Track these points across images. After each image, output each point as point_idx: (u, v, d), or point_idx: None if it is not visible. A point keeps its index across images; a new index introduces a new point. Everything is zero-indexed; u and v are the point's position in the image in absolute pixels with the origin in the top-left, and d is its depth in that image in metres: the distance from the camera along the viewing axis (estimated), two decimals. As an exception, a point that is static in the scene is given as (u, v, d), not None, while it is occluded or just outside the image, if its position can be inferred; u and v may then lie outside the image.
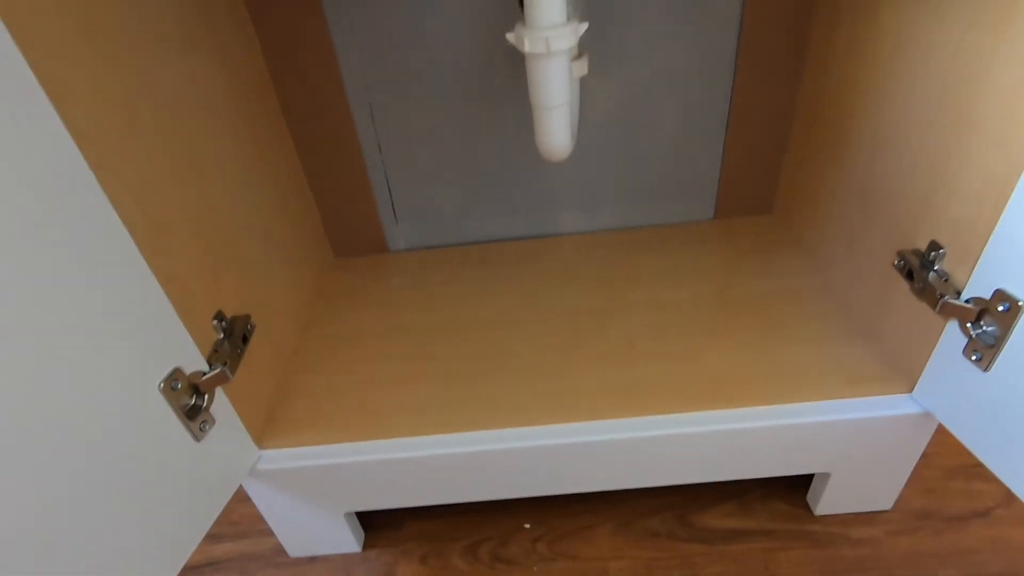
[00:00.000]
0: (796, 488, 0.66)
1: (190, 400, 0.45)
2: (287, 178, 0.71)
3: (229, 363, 0.49)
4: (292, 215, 0.71)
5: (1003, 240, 0.42)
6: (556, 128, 0.51)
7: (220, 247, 0.53)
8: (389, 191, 0.77)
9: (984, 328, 0.44)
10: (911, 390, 0.53)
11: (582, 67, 0.57)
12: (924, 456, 0.68)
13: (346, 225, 0.80)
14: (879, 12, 0.54)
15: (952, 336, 0.47)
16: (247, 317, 0.54)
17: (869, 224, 0.58)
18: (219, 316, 0.51)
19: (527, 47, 0.46)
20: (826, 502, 0.62)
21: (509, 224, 0.81)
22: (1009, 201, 0.40)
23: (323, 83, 0.68)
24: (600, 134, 0.73)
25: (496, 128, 0.72)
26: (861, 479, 0.59)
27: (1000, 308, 0.42)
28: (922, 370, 0.52)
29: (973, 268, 0.44)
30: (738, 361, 0.59)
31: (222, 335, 0.50)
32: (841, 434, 0.54)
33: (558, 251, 0.79)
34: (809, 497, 0.65)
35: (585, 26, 0.48)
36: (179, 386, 0.44)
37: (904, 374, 0.54)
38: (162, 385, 0.42)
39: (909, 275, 0.51)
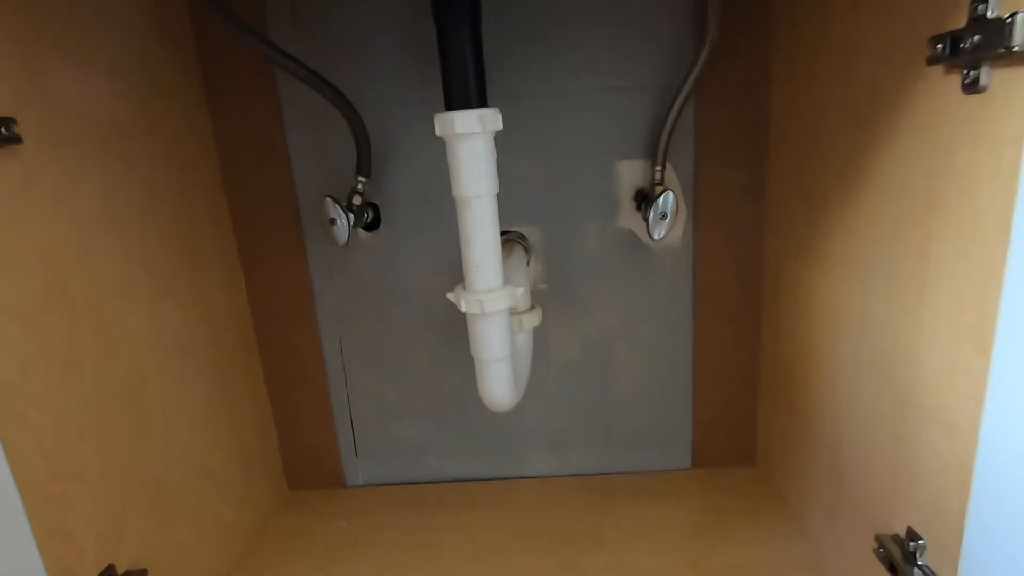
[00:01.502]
0: None
1: None
2: (248, 409, 0.70)
3: (98, 637, 0.42)
4: (246, 448, 0.69)
5: (978, 541, 0.36)
6: (495, 380, 0.50)
7: (138, 494, 0.50)
8: (351, 424, 0.76)
9: (986, 652, 0.36)
10: None
11: (533, 319, 0.59)
12: None
13: (304, 458, 0.77)
14: (815, 283, 0.56)
15: (954, 657, 0.39)
16: (142, 573, 0.48)
17: (845, 495, 0.53)
18: (108, 572, 0.46)
19: (463, 307, 0.48)
20: None
21: (472, 464, 0.76)
22: (971, 495, 0.36)
23: (298, 320, 0.72)
24: (566, 377, 0.73)
25: (462, 368, 0.73)
26: None
27: (994, 630, 0.35)
28: None
29: (958, 572, 0.38)
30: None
31: (104, 598, 0.45)
32: None
33: (521, 497, 0.73)
34: None
35: (521, 291, 0.50)
36: (20, 672, 0.37)
37: None
38: (-5, 672, 0.36)
39: (892, 568, 0.44)
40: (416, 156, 0.66)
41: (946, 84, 0.36)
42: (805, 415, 0.60)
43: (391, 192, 0.68)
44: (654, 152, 0.62)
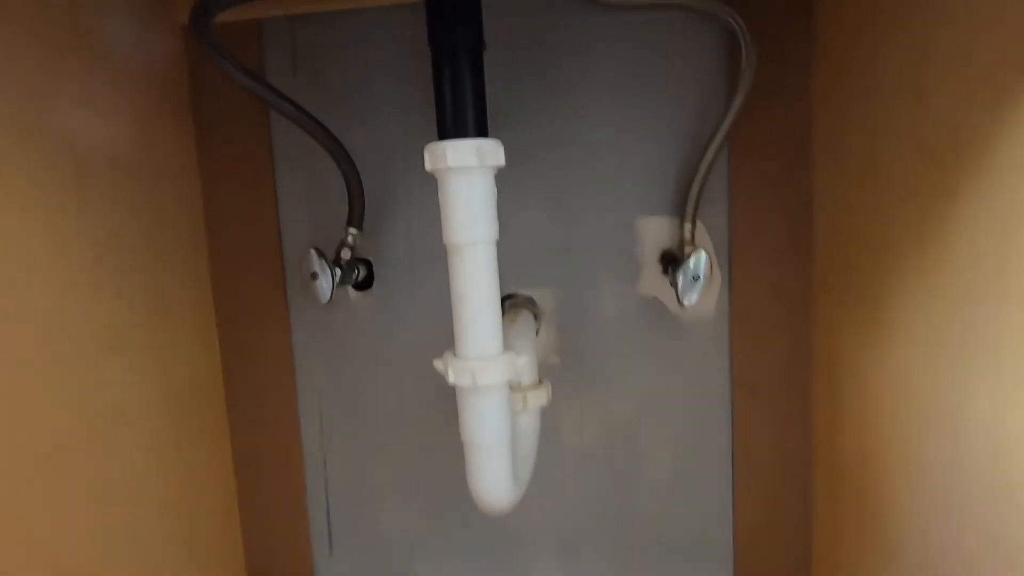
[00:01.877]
0: None
1: None
2: (210, 492, 0.60)
3: None
4: (202, 541, 0.58)
5: None
6: (488, 472, 0.40)
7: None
8: (328, 516, 0.65)
9: None
10: None
11: (540, 397, 0.49)
12: None
13: (271, 555, 0.65)
14: (884, 361, 0.46)
15: None
16: None
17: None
18: None
19: (451, 378, 0.39)
20: None
21: (467, 569, 0.64)
22: None
23: (277, 394, 0.63)
24: (579, 469, 0.62)
25: (459, 453, 0.62)
26: None
27: None
28: None
29: None
30: None
31: None
32: None
33: (526, 618, 0.60)
34: None
35: (524, 360, 0.41)
36: None
37: None
38: None
39: None
40: (416, 210, 0.60)
41: (1069, 99, 0.28)
42: (881, 524, 0.48)
43: (387, 248, 0.61)
44: (683, 207, 0.55)
